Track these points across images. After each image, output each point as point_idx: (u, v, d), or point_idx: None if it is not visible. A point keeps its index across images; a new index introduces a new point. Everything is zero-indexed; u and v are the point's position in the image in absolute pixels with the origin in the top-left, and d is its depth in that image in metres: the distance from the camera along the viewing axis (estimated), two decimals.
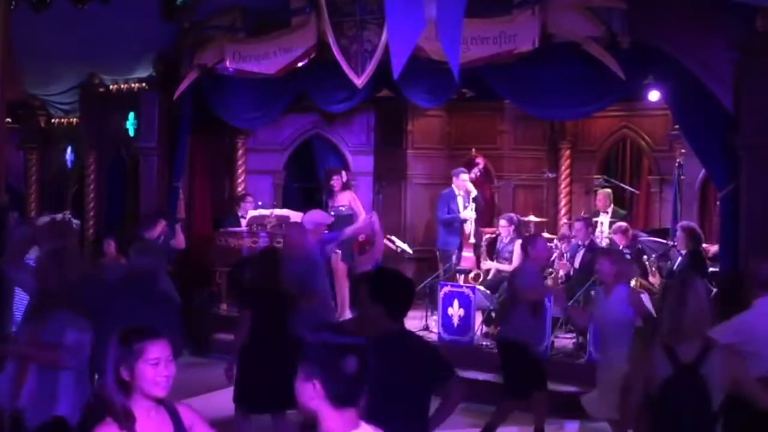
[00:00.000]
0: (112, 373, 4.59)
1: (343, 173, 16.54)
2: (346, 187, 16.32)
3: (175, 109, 16.16)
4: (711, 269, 12.40)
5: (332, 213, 15.63)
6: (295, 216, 16.10)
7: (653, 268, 12.99)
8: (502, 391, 11.10)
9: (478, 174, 16.26)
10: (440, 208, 15.96)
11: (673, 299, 6.00)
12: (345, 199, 16.04)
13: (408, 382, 5.79)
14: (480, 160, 16.37)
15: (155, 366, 4.58)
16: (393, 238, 15.82)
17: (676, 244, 12.73)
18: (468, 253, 15.60)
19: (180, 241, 15.37)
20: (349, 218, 15.94)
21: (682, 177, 14.26)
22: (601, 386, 9.52)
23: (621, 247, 13.64)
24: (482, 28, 12.44)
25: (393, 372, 5.42)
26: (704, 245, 13.02)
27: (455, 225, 15.69)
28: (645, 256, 13.36)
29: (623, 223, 14.21)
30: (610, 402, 8.91)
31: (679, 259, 12.39)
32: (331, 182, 16.24)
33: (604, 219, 15.11)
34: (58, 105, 19.01)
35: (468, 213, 15.55)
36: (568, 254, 14.13)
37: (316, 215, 13.68)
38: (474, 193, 15.91)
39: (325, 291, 11.76)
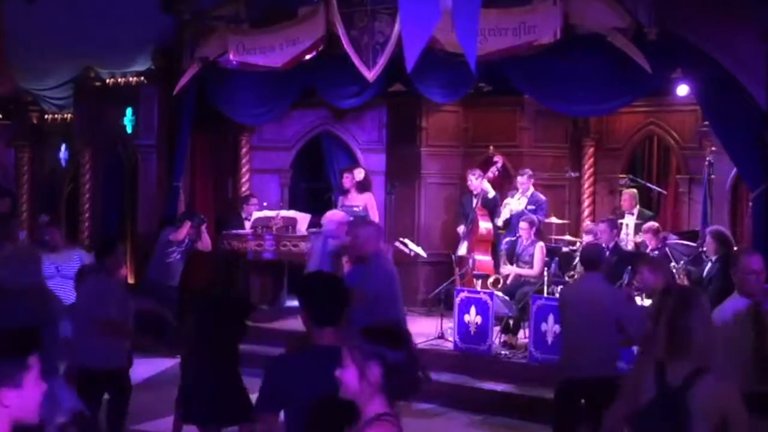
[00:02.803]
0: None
1: (356, 172, 16.47)
2: (363, 187, 16.30)
3: (175, 105, 16.25)
4: None
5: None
6: (302, 218, 16.14)
7: (680, 275, 13.01)
8: None
9: (496, 173, 16.27)
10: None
11: (672, 313, 5.67)
12: (360, 200, 16.01)
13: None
14: (498, 159, 16.37)
15: None
16: (406, 240, 15.84)
17: (705, 250, 12.74)
18: (485, 257, 15.64)
19: (206, 242, 15.49)
20: (363, 220, 15.98)
21: (712, 176, 14.25)
22: None
23: (650, 249, 13.69)
24: (500, 19, 12.52)
25: (316, 391, 5.14)
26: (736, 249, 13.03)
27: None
28: (672, 263, 13.36)
29: (654, 223, 14.24)
30: None
31: (709, 265, 12.40)
32: (342, 180, 16.28)
33: (629, 221, 15.14)
34: (51, 100, 19.08)
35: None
36: None
37: (337, 215, 13.75)
38: (492, 193, 15.95)
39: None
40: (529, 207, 15.49)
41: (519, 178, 15.82)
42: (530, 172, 15.90)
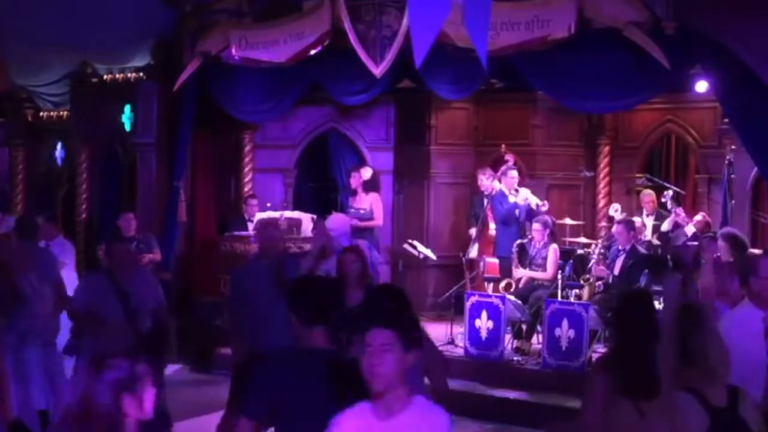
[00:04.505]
0: None
1: (362, 171, 16.44)
2: (370, 187, 16.26)
3: (175, 102, 16.24)
4: None
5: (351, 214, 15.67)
6: (307, 219, 16.14)
7: None
8: None
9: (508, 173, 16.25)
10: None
11: (684, 332, 5.40)
12: (365, 201, 16.00)
13: (318, 409, 5.29)
14: (510, 158, 16.34)
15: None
16: (414, 242, 15.86)
17: (719, 254, 12.74)
18: (496, 260, 15.62)
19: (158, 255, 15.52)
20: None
21: (732, 176, 14.24)
22: None
23: (687, 228, 13.89)
24: (513, 13, 12.51)
25: (305, 393, 5.31)
26: (754, 251, 12.99)
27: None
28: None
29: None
30: None
31: None
32: (350, 180, 16.26)
33: (646, 222, 15.13)
34: (46, 97, 19.11)
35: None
36: (608, 259, 14.15)
37: (340, 218, 13.78)
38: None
39: None
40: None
41: (513, 173, 15.78)
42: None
